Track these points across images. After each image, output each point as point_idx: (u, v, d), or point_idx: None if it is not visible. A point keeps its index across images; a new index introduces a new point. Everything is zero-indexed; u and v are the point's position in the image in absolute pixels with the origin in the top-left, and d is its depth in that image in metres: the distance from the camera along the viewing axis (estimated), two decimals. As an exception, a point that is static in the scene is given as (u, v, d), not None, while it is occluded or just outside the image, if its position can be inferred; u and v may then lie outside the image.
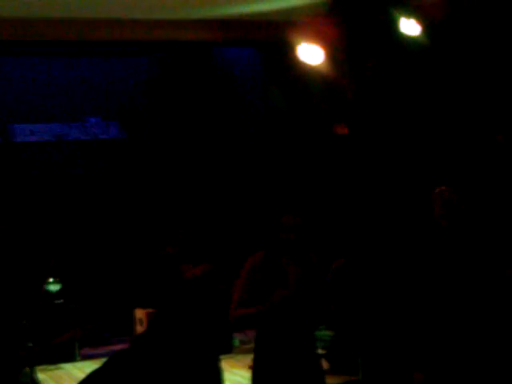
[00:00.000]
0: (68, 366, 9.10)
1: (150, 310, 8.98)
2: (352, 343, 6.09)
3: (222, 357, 3.88)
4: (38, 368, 4.65)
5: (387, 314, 5.45)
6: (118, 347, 8.82)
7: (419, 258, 5.15)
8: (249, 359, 8.74)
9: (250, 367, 8.28)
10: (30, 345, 4.58)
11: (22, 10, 8.93)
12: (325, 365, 5.56)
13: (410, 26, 6.31)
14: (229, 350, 10.04)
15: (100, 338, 10.28)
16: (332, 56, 7.41)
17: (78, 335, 4.41)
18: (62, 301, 9.26)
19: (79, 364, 9.29)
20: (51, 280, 9.01)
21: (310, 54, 8.74)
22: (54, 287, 9.13)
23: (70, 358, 9.31)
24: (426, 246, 5.14)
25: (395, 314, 5.28)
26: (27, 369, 4.52)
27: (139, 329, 9.54)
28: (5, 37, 9.35)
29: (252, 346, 9.58)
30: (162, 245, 9.56)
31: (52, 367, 8.86)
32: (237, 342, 9.70)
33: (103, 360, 3.16)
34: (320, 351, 4.88)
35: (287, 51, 9.39)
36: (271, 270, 4.23)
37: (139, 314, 9.52)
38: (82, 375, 6.39)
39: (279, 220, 4.27)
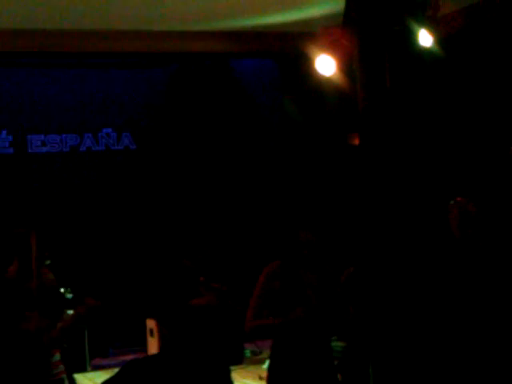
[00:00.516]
0: (79, 377, 9.06)
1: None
2: (364, 354, 6.04)
3: (233, 367, 3.84)
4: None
5: (399, 324, 5.40)
6: (129, 357, 8.81)
7: (433, 269, 5.10)
8: (259, 370, 8.78)
9: (261, 378, 8.28)
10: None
11: (40, 21, 8.98)
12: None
13: (425, 37, 6.28)
14: (240, 360, 10.13)
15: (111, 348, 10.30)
16: (346, 67, 7.38)
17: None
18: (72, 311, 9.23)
19: (90, 374, 9.27)
20: (62, 290, 9.01)
21: (326, 64, 8.72)
22: (65, 296, 9.13)
23: (81, 369, 9.29)
24: (441, 257, 5.10)
25: (408, 325, 5.22)
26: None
27: (150, 339, 9.52)
28: (21, 48, 9.41)
29: (263, 356, 9.58)
30: (178, 256, 9.52)
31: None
32: (248, 353, 9.68)
33: (114, 370, 3.13)
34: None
35: (303, 62, 9.38)
36: (288, 280, 4.21)
37: (150, 324, 9.49)
38: (92, 385, 6.34)
39: (296, 235, 4.29)
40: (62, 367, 4.81)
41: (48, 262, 4.81)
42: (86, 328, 9.27)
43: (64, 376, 4.85)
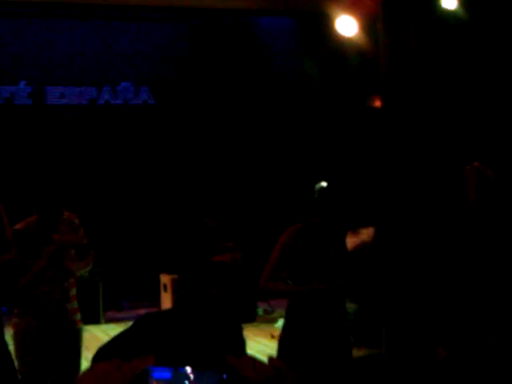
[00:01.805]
0: (92, 328, 9.17)
1: (175, 276, 9.01)
2: (376, 316, 6.07)
3: (245, 325, 3.85)
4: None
5: (412, 287, 5.41)
6: (142, 311, 8.88)
7: (446, 233, 5.09)
8: (271, 328, 8.84)
9: (273, 336, 8.34)
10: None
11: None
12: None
13: (449, 0, 6.20)
14: (252, 318, 10.16)
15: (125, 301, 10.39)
16: (369, 28, 7.31)
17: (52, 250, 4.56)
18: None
19: (103, 326, 9.37)
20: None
21: (347, 25, 8.64)
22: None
23: (95, 321, 9.40)
24: (455, 222, 5.09)
25: (420, 288, 5.24)
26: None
27: (164, 294, 9.59)
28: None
29: (275, 315, 9.63)
30: (198, 215, 9.53)
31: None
32: (260, 312, 9.74)
33: (127, 323, 3.16)
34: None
35: (324, 22, 9.28)
36: (311, 242, 4.18)
37: (164, 279, 9.56)
38: (106, 338, 6.43)
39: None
40: (79, 316, 4.85)
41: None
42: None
43: (82, 326, 4.89)
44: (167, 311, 3.09)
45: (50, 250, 4.55)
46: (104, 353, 3.19)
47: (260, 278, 4.16)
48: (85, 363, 7.50)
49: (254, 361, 2.39)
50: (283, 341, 4.24)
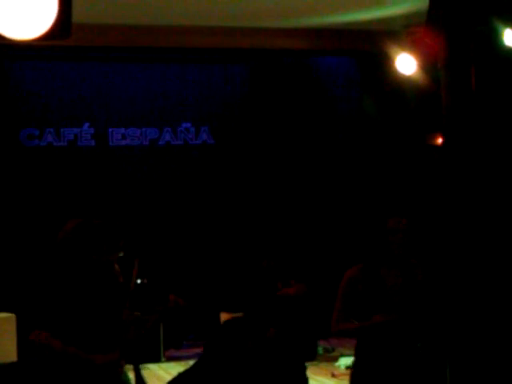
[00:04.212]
0: (153, 367, 9.22)
1: (235, 315, 9.01)
2: (441, 354, 5.97)
3: (306, 364, 3.85)
4: (129, 368, 4.72)
5: (477, 320, 5.32)
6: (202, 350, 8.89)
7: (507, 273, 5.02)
8: (332, 367, 8.77)
9: (334, 375, 8.27)
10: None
11: (122, 17, 9.14)
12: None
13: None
14: (313, 357, 10.10)
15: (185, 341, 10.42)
16: (428, 66, 7.31)
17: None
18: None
19: (164, 365, 9.40)
20: (138, 281, 9.12)
21: (407, 63, 8.66)
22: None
23: (155, 359, 9.44)
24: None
25: (485, 322, 5.14)
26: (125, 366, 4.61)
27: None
28: (103, 43, 9.60)
29: (335, 354, 9.55)
30: (257, 256, 9.55)
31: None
32: (320, 350, 9.67)
33: (188, 362, 3.18)
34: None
35: (383, 60, 9.32)
36: (370, 283, 4.22)
37: (224, 317, 9.57)
38: (166, 376, 6.46)
39: (385, 223, 4.27)
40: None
41: (121, 253, 4.85)
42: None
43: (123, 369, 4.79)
44: (227, 352, 3.09)
45: (165, 308, 4.53)
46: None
47: (331, 323, 4.25)
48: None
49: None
50: (355, 377, 4.26)
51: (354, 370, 4.29)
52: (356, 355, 4.30)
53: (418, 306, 4.17)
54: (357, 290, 4.21)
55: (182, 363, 8.99)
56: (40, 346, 3.96)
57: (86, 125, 10.71)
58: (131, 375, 4.49)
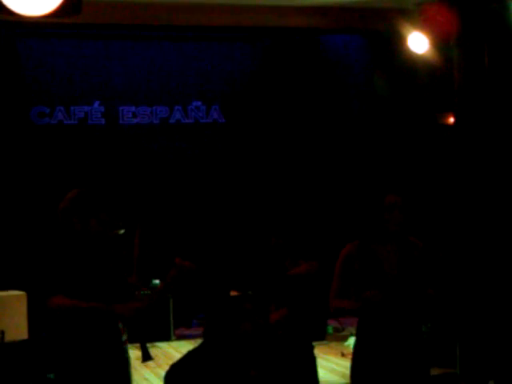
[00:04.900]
0: (163, 345, 9.26)
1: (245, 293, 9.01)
2: (450, 334, 5.97)
3: (315, 343, 3.83)
4: (135, 346, 4.71)
5: (487, 305, 5.31)
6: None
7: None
8: (342, 346, 8.78)
9: (343, 355, 8.27)
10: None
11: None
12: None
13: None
14: (322, 336, 10.07)
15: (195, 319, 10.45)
16: (441, 44, 7.24)
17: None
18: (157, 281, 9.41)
19: (174, 343, 9.44)
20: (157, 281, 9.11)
21: (419, 42, 8.58)
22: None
23: (166, 338, 9.48)
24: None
25: (496, 305, 5.13)
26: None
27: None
28: (115, 20, 9.53)
29: (345, 333, 9.56)
30: (265, 234, 9.53)
31: (148, 345, 9.01)
32: (330, 329, 9.68)
33: (197, 340, 3.18)
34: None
35: (394, 39, 9.24)
36: (366, 260, 4.21)
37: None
38: (176, 354, 6.47)
39: (382, 200, 4.24)
40: (125, 337, 4.72)
41: (122, 231, 4.82)
42: (171, 296, 9.41)
43: (127, 346, 4.73)
44: (234, 330, 3.07)
45: (172, 275, 4.46)
46: (176, 370, 3.21)
47: (329, 301, 4.23)
48: (157, 380, 7.59)
49: None
50: (356, 358, 4.23)
51: (354, 351, 4.26)
52: (357, 336, 4.28)
53: (414, 284, 4.14)
54: (353, 267, 4.20)
55: (192, 342, 9.03)
56: (64, 310, 3.94)
57: (97, 103, 10.70)
58: (132, 354, 4.45)
